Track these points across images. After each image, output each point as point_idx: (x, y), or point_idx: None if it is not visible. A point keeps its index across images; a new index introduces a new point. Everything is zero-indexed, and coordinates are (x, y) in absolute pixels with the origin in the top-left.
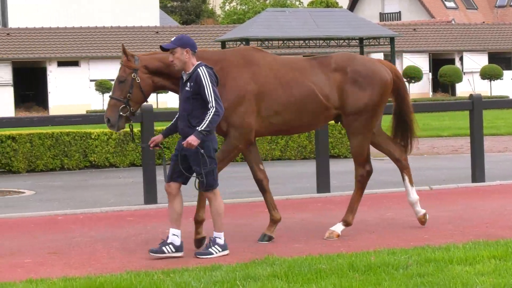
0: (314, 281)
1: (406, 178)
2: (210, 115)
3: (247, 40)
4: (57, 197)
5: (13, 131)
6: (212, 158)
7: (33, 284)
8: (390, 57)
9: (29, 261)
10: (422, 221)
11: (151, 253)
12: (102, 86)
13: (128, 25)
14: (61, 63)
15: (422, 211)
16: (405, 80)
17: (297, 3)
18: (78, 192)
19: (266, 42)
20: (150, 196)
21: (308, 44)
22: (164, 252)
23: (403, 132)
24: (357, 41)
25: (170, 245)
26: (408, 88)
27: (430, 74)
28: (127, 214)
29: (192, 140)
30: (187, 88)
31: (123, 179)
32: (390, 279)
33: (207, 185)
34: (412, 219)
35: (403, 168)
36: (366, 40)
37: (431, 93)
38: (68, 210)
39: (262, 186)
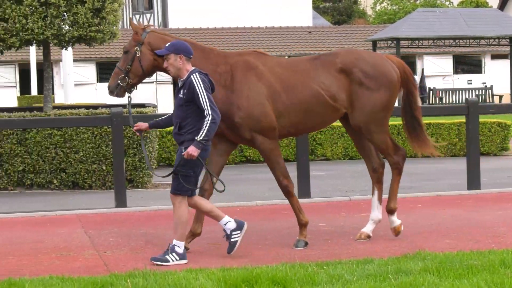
0: (466, 277)
1: (376, 193)
2: (207, 123)
3: (397, 40)
4: (215, 190)
5: (159, 130)
6: (192, 163)
7: (192, 273)
8: None
9: (188, 251)
10: (361, 237)
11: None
12: None
13: (282, 25)
14: None
15: (369, 232)
16: None
17: (447, 3)
18: (234, 186)
19: (416, 42)
20: (303, 190)
21: (458, 44)
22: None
23: (414, 128)
24: (507, 40)
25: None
26: None
27: None
28: (281, 208)
29: (192, 151)
30: (180, 95)
31: None
32: None
33: (177, 189)
34: None
35: (377, 182)
36: None
37: None
38: (226, 203)
39: (205, 197)
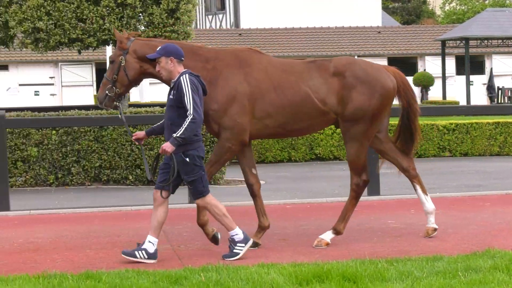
0: None
1: (418, 187)
2: (186, 122)
3: (466, 39)
4: (285, 187)
5: None
6: (197, 166)
7: (264, 268)
8: None
9: (260, 246)
10: (428, 233)
11: (122, 254)
12: None
13: (351, 26)
14: None
15: (433, 224)
16: None
17: None
18: (304, 183)
19: (485, 41)
20: (372, 188)
21: None
22: (135, 257)
23: (405, 137)
24: None
25: (143, 251)
26: None
27: None
28: None
29: (166, 146)
30: (171, 96)
31: (347, 171)
32: None
33: (197, 193)
34: None
35: (413, 178)
36: None
37: None
38: (296, 200)
39: (253, 191)
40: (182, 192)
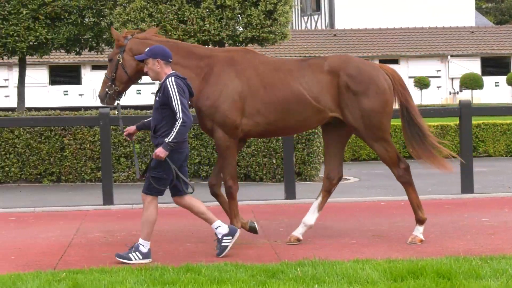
0: None
1: (321, 200)
2: (177, 126)
3: None
4: (379, 184)
5: None
6: (167, 167)
7: (359, 263)
8: None
9: (354, 242)
10: (291, 241)
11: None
12: (420, 83)
13: (444, 26)
14: (382, 61)
15: (299, 235)
16: None
17: None
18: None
19: None
20: (466, 186)
21: None
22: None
23: (416, 139)
24: None
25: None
26: None
27: None
28: (445, 202)
29: (160, 152)
30: (157, 98)
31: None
32: None
33: (148, 189)
34: None
35: (327, 190)
36: None
37: None
38: (390, 197)
39: (213, 191)
40: (278, 188)
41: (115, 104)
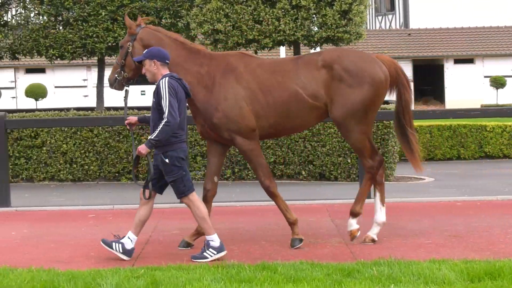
0: None
1: (380, 194)
2: (161, 125)
3: None
4: (454, 184)
5: (415, 123)
6: (177, 167)
7: (435, 263)
8: None
9: (430, 242)
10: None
11: (101, 242)
12: (496, 82)
13: None
14: (457, 61)
15: (374, 235)
16: None
17: None
18: (474, 180)
19: None
20: None
21: None
22: (111, 248)
23: (404, 137)
24: None
25: (121, 245)
26: None
27: None
28: None
29: (142, 148)
30: (153, 99)
31: None
32: None
33: (179, 193)
34: None
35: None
36: None
37: None
38: (466, 197)
39: (205, 197)
40: (353, 187)
41: (124, 90)
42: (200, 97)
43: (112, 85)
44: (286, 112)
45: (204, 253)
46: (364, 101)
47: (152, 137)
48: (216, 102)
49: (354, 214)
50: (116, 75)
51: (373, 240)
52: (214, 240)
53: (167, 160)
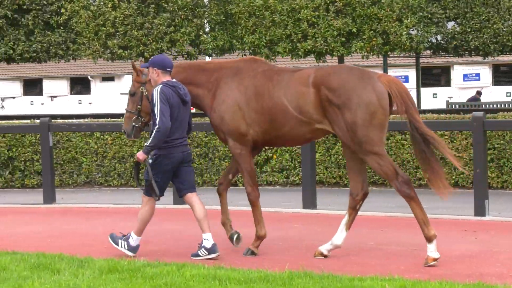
0: None
1: (347, 218)
2: (153, 131)
3: None
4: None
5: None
6: (153, 171)
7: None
8: None
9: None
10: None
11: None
12: None
13: None
14: None
15: (324, 250)
16: None
17: None
18: None
19: None
20: None
21: None
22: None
23: (425, 157)
24: None
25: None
26: None
27: None
28: None
29: (139, 154)
30: (151, 106)
31: None
32: None
33: (145, 191)
34: None
35: (353, 208)
36: None
37: None
38: None
39: (218, 190)
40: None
41: (139, 137)
42: (207, 102)
43: (130, 136)
44: (274, 121)
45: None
46: (356, 123)
47: (147, 143)
48: (215, 104)
49: (428, 239)
50: (134, 123)
51: (322, 255)
52: (134, 239)
53: (150, 160)
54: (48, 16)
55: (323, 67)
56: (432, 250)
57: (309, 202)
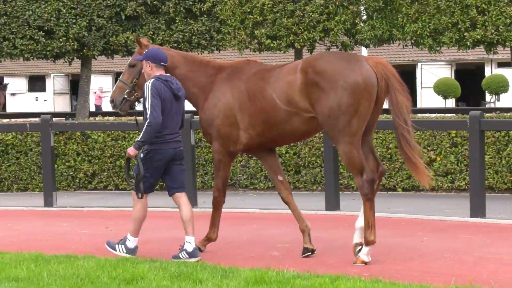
0: None
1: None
2: (144, 126)
3: None
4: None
5: None
6: (143, 166)
7: None
8: None
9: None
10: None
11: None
12: None
13: None
14: None
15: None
16: None
17: None
18: None
19: None
20: None
21: None
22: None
23: (401, 144)
24: None
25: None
26: None
27: None
28: None
29: (130, 150)
30: (142, 101)
31: None
32: None
33: (134, 187)
34: None
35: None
36: None
37: None
38: None
39: (283, 199)
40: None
41: (126, 111)
42: (199, 101)
43: (116, 107)
44: (267, 120)
45: (116, 245)
46: (340, 107)
47: (138, 139)
48: (206, 106)
49: (367, 243)
50: (126, 96)
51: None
52: (132, 241)
53: (141, 155)
54: (191, 3)
55: (310, 56)
56: (365, 253)
57: (478, 209)
